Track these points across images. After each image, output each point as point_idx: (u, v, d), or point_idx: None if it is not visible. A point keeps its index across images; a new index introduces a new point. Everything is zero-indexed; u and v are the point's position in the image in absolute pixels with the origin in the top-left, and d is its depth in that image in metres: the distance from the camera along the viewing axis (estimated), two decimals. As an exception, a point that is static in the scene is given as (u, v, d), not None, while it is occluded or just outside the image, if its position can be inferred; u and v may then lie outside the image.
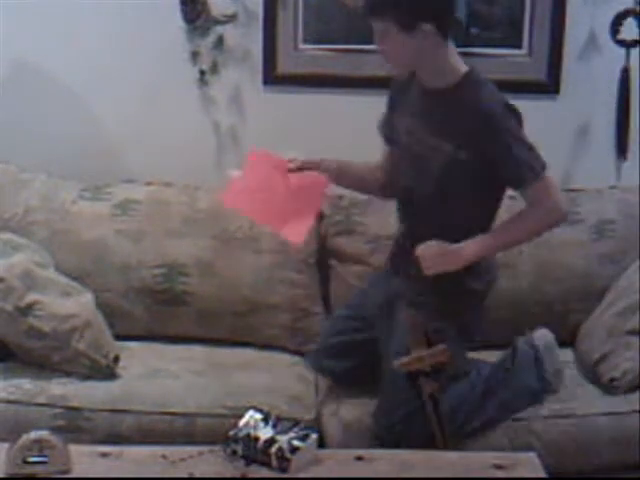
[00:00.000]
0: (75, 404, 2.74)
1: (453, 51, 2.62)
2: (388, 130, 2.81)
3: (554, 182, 2.63)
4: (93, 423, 2.71)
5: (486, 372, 2.79)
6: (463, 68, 2.62)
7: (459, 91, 2.59)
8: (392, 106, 2.79)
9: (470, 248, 2.59)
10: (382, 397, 2.70)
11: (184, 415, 2.73)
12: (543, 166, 2.59)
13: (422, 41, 2.54)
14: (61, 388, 2.79)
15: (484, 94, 2.58)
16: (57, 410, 2.71)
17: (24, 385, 2.79)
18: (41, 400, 2.74)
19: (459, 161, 2.56)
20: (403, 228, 2.81)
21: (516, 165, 2.55)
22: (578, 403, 2.79)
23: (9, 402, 2.72)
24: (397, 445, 2.52)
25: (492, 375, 2.78)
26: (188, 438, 2.67)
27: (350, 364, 2.84)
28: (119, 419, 2.72)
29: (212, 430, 2.62)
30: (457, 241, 2.59)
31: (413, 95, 2.70)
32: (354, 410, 2.77)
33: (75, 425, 2.70)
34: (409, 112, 2.70)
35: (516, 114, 2.58)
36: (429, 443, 2.55)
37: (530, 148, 2.58)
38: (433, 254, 2.58)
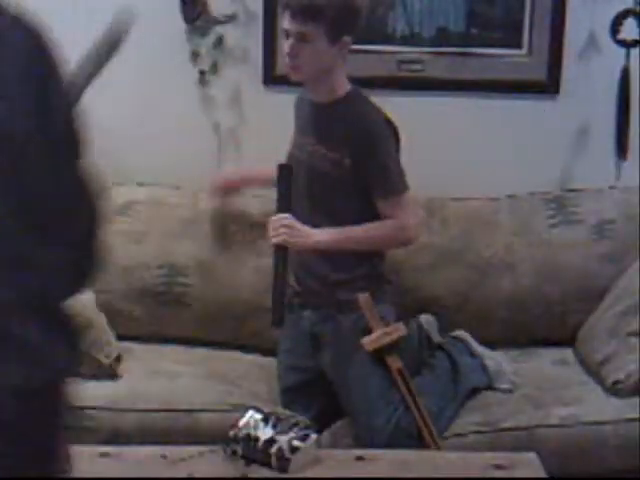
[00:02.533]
0: (77, 403, 2.73)
1: (344, 73, 2.73)
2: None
3: (412, 205, 2.75)
4: (95, 422, 2.71)
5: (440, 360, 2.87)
6: (348, 85, 2.74)
7: (344, 105, 2.72)
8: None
9: (320, 236, 2.69)
10: (360, 412, 2.69)
11: (187, 412, 2.74)
12: (405, 186, 2.72)
13: (338, 52, 2.65)
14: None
15: (366, 109, 2.72)
16: None
17: None
18: None
19: (344, 169, 2.68)
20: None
21: (383, 177, 2.69)
22: (583, 408, 2.77)
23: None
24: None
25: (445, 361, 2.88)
26: (191, 436, 2.67)
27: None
28: (122, 418, 2.73)
29: (215, 427, 2.62)
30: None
31: (304, 111, 2.82)
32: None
33: (77, 425, 2.70)
34: (300, 127, 2.83)
35: (394, 130, 2.72)
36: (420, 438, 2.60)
37: (398, 166, 2.71)
38: (282, 224, 2.67)
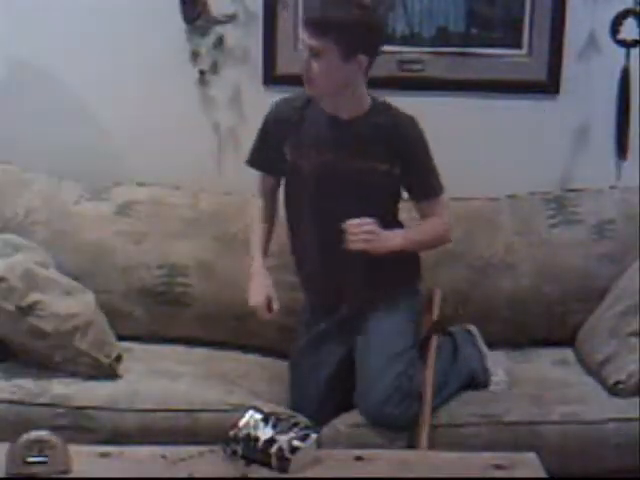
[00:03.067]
0: (77, 403, 2.74)
1: (365, 90, 2.74)
2: (267, 163, 2.88)
3: (445, 203, 2.85)
4: (96, 422, 2.71)
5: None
6: (369, 97, 2.75)
7: (375, 116, 2.72)
8: (276, 140, 2.82)
9: (396, 240, 2.71)
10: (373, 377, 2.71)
11: (187, 412, 2.73)
12: (443, 186, 2.81)
13: (354, 70, 2.63)
14: (63, 388, 2.79)
15: (399, 116, 2.74)
16: (59, 410, 2.71)
17: (26, 385, 2.78)
18: (43, 400, 2.74)
19: (394, 177, 2.73)
20: (322, 257, 2.82)
21: (428, 179, 2.77)
22: (584, 407, 2.76)
23: (11, 402, 2.72)
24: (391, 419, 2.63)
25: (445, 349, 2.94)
26: (191, 436, 2.67)
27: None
28: (122, 417, 2.72)
29: (215, 427, 2.61)
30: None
31: (316, 127, 2.75)
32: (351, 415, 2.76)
33: (78, 425, 2.70)
34: (316, 143, 2.74)
35: (422, 130, 2.76)
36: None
37: (435, 167, 2.78)
38: (364, 230, 2.64)
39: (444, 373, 2.82)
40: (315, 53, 2.61)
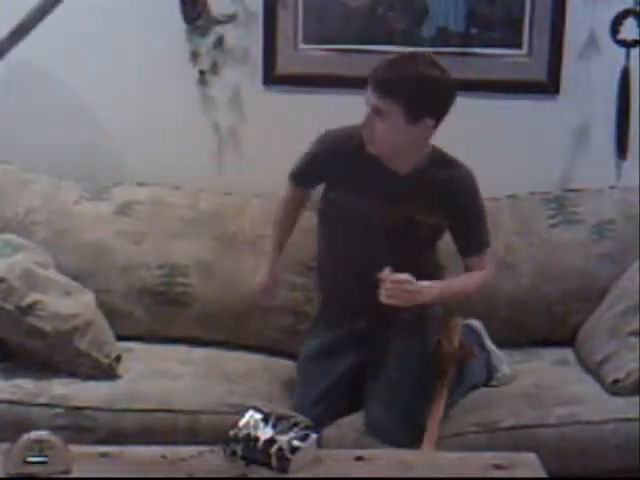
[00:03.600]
0: (77, 404, 2.74)
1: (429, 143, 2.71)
2: (308, 182, 2.89)
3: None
4: (95, 422, 2.71)
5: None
6: (428, 149, 2.71)
7: (432, 170, 2.69)
8: (324, 169, 2.79)
9: (432, 293, 2.65)
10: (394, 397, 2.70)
11: (187, 413, 2.73)
12: (489, 241, 2.81)
13: (419, 133, 2.60)
14: (62, 388, 2.79)
15: (454, 169, 2.72)
16: (59, 410, 2.71)
17: (25, 385, 2.79)
18: (43, 400, 2.74)
19: (441, 230, 2.78)
20: (348, 282, 2.80)
21: (479, 234, 2.77)
22: (583, 407, 2.75)
23: (11, 402, 2.72)
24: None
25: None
26: (191, 436, 2.67)
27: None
28: (121, 418, 2.72)
29: (215, 428, 2.61)
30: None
31: (369, 172, 2.69)
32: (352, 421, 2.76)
33: (77, 425, 2.70)
34: (366, 189, 2.70)
35: (476, 182, 2.75)
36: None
37: (486, 222, 2.78)
38: (403, 289, 2.58)
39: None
40: (377, 112, 2.56)
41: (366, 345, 2.80)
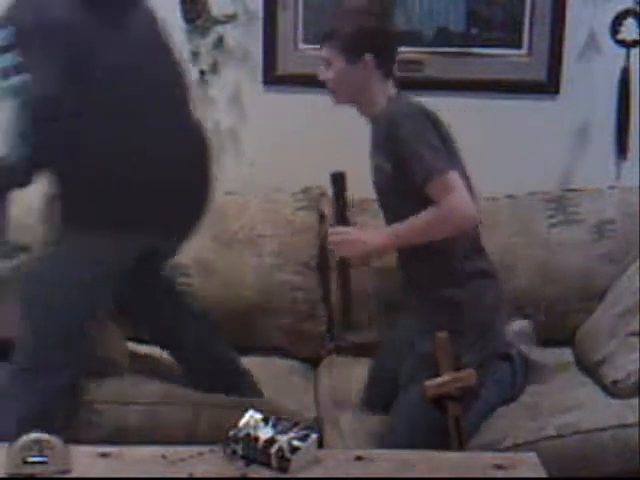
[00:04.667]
0: (84, 398, 2.77)
1: (390, 85, 2.73)
2: None
3: (458, 184, 2.58)
4: (102, 416, 2.73)
5: (494, 396, 2.78)
6: (390, 95, 2.73)
7: (384, 114, 2.71)
8: None
9: (377, 239, 2.67)
10: (397, 426, 2.68)
11: (190, 405, 2.76)
12: (442, 168, 2.57)
13: (363, 72, 2.67)
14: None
15: (394, 108, 2.69)
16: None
17: None
18: None
19: (388, 175, 2.66)
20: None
21: (418, 164, 2.58)
22: (582, 414, 2.73)
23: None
24: None
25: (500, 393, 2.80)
26: (192, 431, 2.71)
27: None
28: (127, 411, 2.75)
29: (217, 421, 2.65)
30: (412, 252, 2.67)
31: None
32: (353, 418, 2.76)
33: (84, 418, 2.73)
34: (372, 154, 2.79)
35: (428, 117, 2.65)
36: None
37: (430, 148, 2.59)
38: (340, 240, 2.67)
39: (493, 404, 2.75)
40: (325, 63, 2.71)
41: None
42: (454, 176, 2.57)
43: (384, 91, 2.73)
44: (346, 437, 2.72)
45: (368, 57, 2.66)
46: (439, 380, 2.57)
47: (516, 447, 2.64)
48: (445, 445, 2.56)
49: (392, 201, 2.73)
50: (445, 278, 2.69)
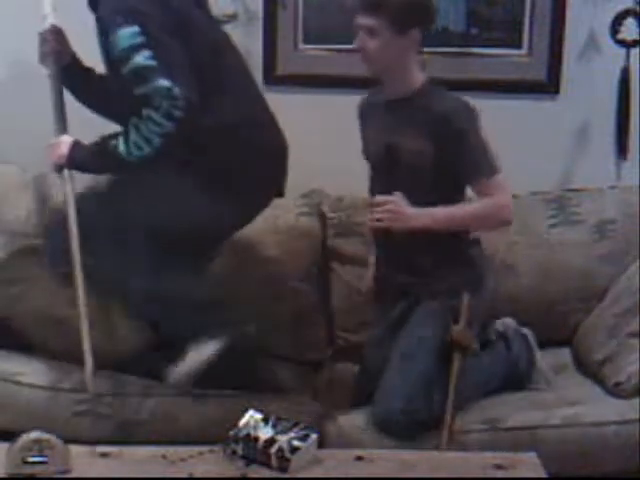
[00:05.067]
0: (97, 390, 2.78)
1: (419, 65, 2.75)
2: (365, 151, 2.92)
3: (507, 184, 2.75)
4: (113, 409, 2.75)
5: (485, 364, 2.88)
6: (423, 77, 2.75)
7: (422, 97, 2.73)
8: (365, 131, 2.90)
9: (422, 219, 2.68)
10: (396, 381, 2.71)
11: (198, 397, 2.78)
12: (497, 167, 2.72)
13: (406, 45, 2.68)
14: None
15: (444, 98, 2.74)
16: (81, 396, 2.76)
17: (50, 371, 2.83)
18: (65, 385, 2.79)
19: (427, 159, 2.70)
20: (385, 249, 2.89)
21: (474, 160, 2.70)
22: (584, 409, 2.75)
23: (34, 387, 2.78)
24: (406, 429, 2.61)
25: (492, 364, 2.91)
26: (202, 419, 2.74)
27: None
28: (139, 402, 2.77)
29: (224, 413, 2.67)
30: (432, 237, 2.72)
31: (379, 111, 2.82)
32: (354, 419, 2.75)
33: (96, 411, 2.75)
34: (377, 127, 2.82)
35: (476, 114, 2.72)
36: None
37: (486, 147, 2.71)
38: (386, 209, 2.67)
39: (488, 373, 2.84)
40: (368, 32, 2.67)
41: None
42: (502, 177, 2.71)
43: (418, 70, 2.74)
44: (345, 433, 2.72)
45: (415, 31, 2.66)
46: (463, 330, 2.71)
47: (518, 429, 2.67)
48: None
49: (409, 182, 2.72)
50: (454, 261, 2.78)
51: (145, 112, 2.59)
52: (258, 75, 3.38)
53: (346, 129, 3.29)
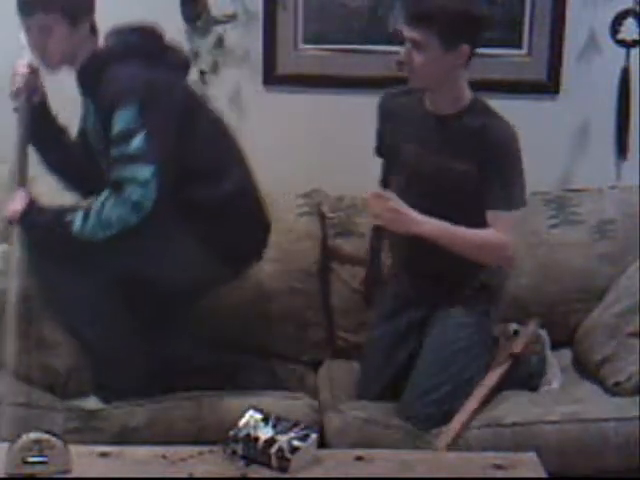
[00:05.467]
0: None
1: (466, 77, 2.70)
2: (385, 150, 2.88)
3: (515, 225, 2.71)
4: (105, 422, 2.73)
5: None
6: (470, 94, 2.71)
7: (471, 115, 2.68)
8: (389, 131, 2.84)
9: (423, 226, 2.63)
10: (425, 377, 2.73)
11: (192, 399, 2.77)
12: (522, 203, 2.70)
13: (455, 61, 2.61)
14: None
15: (494, 121, 2.69)
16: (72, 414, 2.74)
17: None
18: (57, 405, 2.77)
19: (472, 180, 2.65)
20: (406, 255, 2.85)
21: (505, 191, 2.65)
22: (584, 407, 2.75)
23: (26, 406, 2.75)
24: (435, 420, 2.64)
25: None
26: (197, 422, 2.73)
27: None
28: (129, 412, 2.74)
29: (218, 413, 2.68)
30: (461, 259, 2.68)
31: (418, 121, 2.75)
32: (355, 421, 2.75)
33: (89, 426, 2.72)
34: (416, 138, 2.74)
35: (518, 138, 2.70)
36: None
37: (522, 181, 2.68)
38: (387, 208, 2.62)
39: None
40: (415, 45, 2.60)
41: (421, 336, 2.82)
42: (518, 215, 2.67)
43: (464, 86, 2.69)
44: (349, 424, 2.72)
45: (465, 47, 2.60)
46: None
47: (517, 426, 2.67)
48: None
49: (446, 200, 2.68)
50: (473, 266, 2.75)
51: (113, 198, 2.57)
52: (258, 75, 3.39)
53: (346, 129, 3.31)
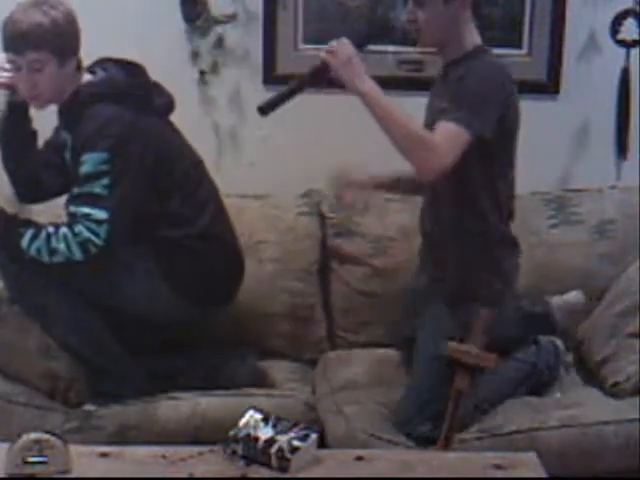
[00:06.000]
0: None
1: (473, 27, 2.72)
2: None
3: (460, 148, 2.53)
4: (103, 421, 2.73)
5: (511, 371, 2.86)
6: (477, 40, 2.72)
7: (469, 60, 2.67)
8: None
9: (368, 84, 2.57)
10: (413, 390, 2.74)
11: (191, 400, 2.78)
12: (469, 127, 2.54)
13: (457, 11, 2.66)
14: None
15: (483, 63, 2.67)
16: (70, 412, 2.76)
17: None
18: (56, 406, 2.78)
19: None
20: (428, 220, 2.87)
21: (458, 104, 2.56)
22: (583, 409, 2.75)
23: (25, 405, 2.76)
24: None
25: (518, 371, 2.87)
26: (193, 420, 2.74)
27: None
28: (127, 410, 2.76)
29: (217, 414, 2.70)
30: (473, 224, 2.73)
31: (438, 78, 2.80)
32: (355, 421, 2.75)
33: (88, 424, 2.74)
34: (432, 90, 2.82)
35: (507, 90, 2.65)
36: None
37: (486, 112, 2.57)
38: (345, 52, 2.58)
39: (515, 381, 2.85)
40: (416, 2, 2.66)
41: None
42: (465, 139, 2.53)
43: (471, 32, 2.71)
44: (350, 419, 2.73)
45: None
46: (463, 346, 2.54)
47: (516, 434, 2.66)
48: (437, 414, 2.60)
49: None
50: (478, 267, 2.76)
51: (65, 228, 2.63)
52: (258, 75, 3.39)
53: (346, 129, 3.30)
